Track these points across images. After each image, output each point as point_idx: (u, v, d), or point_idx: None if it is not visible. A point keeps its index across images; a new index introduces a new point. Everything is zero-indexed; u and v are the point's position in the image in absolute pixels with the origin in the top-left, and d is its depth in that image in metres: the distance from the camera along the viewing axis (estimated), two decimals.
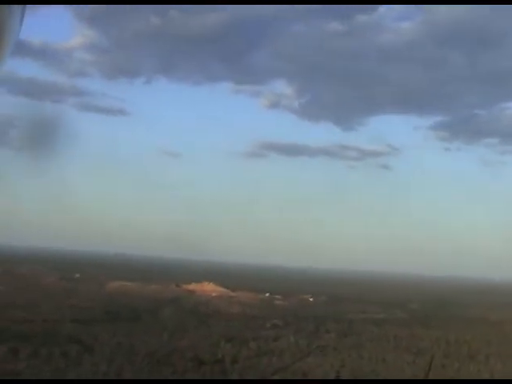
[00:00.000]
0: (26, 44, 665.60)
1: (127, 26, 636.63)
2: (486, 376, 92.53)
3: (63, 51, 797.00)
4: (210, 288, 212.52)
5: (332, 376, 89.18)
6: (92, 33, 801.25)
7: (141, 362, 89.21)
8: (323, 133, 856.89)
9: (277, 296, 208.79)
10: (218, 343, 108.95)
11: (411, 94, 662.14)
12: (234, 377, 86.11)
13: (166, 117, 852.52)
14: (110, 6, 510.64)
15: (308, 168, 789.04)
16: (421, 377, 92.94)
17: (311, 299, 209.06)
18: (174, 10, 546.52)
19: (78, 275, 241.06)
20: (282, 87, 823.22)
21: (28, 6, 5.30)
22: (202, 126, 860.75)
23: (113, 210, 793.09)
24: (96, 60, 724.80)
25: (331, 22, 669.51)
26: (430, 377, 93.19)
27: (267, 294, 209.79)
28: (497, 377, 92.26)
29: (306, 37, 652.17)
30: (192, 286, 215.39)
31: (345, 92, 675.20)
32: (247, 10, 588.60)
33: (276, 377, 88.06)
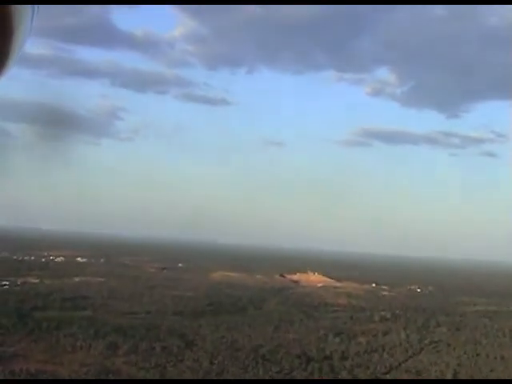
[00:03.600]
0: (128, 36, 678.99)
1: (228, 16, 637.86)
2: None
3: (165, 42, 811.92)
4: (315, 278, 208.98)
5: (449, 376, 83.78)
6: (194, 23, 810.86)
7: (245, 358, 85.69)
8: (426, 120, 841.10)
9: (383, 286, 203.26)
10: (325, 338, 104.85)
11: None
12: (344, 375, 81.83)
13: (268, 106, 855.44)
14: None
15: (411, 155, 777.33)
16: None
17: (419, 290, 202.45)
18: None
19: (180, 265, 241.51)
20: (385, 74, 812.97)
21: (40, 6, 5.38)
22: (304, 115, 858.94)
23: (217, 199, 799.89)
24: (198, 50, 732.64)
25: (434, 6, 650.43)
26: None
27: (373, 285, 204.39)
28: None
29: (408, 23, 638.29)
30: (297, 277, 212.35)
31: (448, 78, 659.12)
32: None
33: (388, 376, 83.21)
